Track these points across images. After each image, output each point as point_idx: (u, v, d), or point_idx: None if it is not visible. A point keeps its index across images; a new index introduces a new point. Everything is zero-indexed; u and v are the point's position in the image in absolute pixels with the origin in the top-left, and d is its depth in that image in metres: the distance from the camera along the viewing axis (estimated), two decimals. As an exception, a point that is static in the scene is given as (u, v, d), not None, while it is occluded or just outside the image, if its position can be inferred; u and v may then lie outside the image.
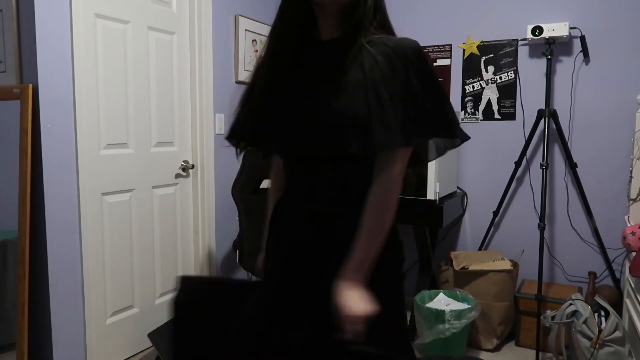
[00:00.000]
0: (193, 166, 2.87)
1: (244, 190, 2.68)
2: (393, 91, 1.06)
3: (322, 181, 1.16)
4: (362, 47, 1.10)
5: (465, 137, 1.16)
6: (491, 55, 3.06)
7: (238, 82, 3.09)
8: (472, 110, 3.13)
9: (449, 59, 3.17)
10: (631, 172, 2.34)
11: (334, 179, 1.15)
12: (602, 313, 2.32)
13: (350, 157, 1.09)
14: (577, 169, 2.83)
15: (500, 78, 3.05)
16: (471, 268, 2.71)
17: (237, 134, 1.24)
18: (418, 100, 1.08)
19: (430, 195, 2.68)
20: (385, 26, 1.16)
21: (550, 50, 2.79)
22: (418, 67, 1.09)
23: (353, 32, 1.12)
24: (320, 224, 1.16)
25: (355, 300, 1.07)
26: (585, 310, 2.27)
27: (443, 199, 2.79)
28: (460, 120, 3.14)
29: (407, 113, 1.06)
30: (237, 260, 2.89)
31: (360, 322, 1.07)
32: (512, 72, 3.01)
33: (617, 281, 2.81)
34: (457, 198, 3.02)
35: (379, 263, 1.13)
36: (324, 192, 1.16)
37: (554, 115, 2.80)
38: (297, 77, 1.16)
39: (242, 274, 3.24)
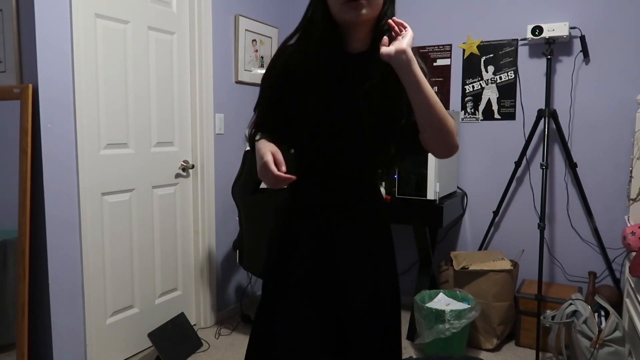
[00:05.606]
0: (193, 166, 2.87)
1: (244, 190, 2.68)
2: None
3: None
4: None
5: None
6: (491, 55, 3.06)
7: (238, 82, 3.09)
8: (472, 110, 3.13)
9: (449, 59, 3.17)
10: (631, 172, 2.34)
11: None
12: (602, 313, 2.32)
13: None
14: (577, 169, 2.83)
15: (500, 78, 3.05)
16: (471, 268, 2.71)
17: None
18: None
19: (430, 195, 2.68)
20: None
21: (550, 50, 2.79)
22: None
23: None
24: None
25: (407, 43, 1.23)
26: (585, 310, 2.27)
27: (443, 198, 2.79)
28: (460, 120, 3.14)
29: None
30: (237, 260, 2.89)
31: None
32: (512, 72, 3.01)
33: (617, 281, 2.81)
34: (457, 198, 3.02)
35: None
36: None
37: (554, 115, 2.80)
38: (337, 89, 1.25)
39: (242, 274, 3.24)
